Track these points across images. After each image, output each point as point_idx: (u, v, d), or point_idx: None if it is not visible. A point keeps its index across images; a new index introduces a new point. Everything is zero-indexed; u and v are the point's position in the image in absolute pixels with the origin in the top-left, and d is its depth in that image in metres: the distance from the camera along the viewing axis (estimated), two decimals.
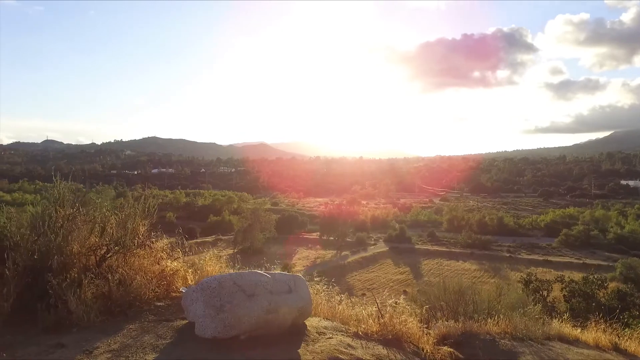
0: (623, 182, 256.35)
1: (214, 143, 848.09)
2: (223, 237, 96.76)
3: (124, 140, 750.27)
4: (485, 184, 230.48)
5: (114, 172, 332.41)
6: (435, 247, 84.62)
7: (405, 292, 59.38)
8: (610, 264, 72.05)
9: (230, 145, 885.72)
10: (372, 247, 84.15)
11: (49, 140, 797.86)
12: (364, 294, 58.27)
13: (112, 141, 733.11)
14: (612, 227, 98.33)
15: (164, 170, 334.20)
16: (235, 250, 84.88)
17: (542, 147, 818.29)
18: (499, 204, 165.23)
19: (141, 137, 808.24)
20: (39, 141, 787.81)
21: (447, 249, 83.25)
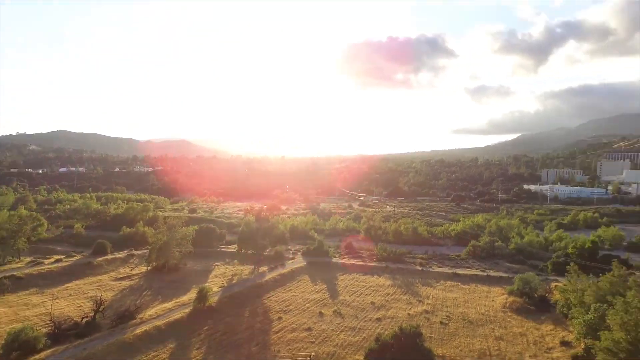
0: (525, 186, 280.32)
1: (131, 138, 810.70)
2: (136, 252, 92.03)
3: (28, 133, 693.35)
4: (403, 187, 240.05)
5: (15, 170, 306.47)
6: (352, 261, 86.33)
7: (321, 313, 60.05)
8: (510, 276, 77.30)
9: (149, 141, 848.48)
10: (290, 262, 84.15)
11: None
12: (280, 317, 58.08)
13: (15, 134, 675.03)
14: (513, 236, 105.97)
15: (73, 169, 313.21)
16: (149, 268, 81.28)
17: (457, 147, 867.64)
18: (415, 209, 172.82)
19: (49, 131, 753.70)
20: None
21: (363, 263, 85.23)
